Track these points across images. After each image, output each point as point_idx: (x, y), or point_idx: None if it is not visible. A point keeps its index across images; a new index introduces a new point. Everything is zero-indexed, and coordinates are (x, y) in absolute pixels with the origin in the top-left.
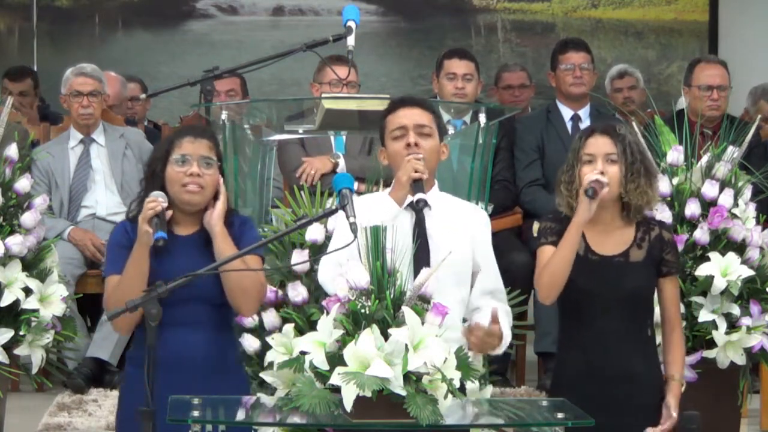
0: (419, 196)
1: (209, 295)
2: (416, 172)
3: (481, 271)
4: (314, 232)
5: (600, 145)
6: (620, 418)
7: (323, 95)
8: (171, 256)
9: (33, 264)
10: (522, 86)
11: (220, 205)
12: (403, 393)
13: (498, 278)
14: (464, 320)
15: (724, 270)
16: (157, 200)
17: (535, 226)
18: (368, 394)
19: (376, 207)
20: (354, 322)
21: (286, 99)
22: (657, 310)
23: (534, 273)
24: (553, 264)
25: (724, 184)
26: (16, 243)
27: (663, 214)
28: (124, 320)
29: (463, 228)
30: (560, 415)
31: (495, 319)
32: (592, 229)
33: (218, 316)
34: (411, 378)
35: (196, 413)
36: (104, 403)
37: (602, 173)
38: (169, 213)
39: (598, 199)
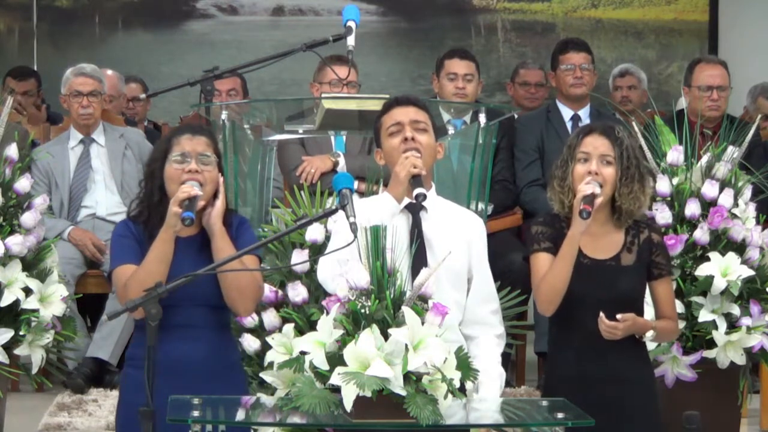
0: (419, 190)
1: (208, 298)
2: (414, 167)
3: (478, 279)
4: (314, 232)
5: (597, 145)
6: (613, 419)
7: (323, 95)
8: (172, 258)
9: (33, 264)
10: (538, 84)
11: (219, 204)
12: (403, 393)
13: (493, 286)
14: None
15: (724, 270)
16: (191, 187)
17: None
18: (368, 394)
19: (375, 206)
20: (354, 322)
21: (286, 99)
22: (650, 311)
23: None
24: (552, 277)
25: (724, 184)
26: (16, 243)
27: (663, 214)
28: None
29: (460, 232)
30: (560, 415)
31: None
32: (584, 232)
33: (217, 319)
34: (411, 378)
35: (196, 413)
36: (104, 403)
37: (596, 173)
38: (201, 203)
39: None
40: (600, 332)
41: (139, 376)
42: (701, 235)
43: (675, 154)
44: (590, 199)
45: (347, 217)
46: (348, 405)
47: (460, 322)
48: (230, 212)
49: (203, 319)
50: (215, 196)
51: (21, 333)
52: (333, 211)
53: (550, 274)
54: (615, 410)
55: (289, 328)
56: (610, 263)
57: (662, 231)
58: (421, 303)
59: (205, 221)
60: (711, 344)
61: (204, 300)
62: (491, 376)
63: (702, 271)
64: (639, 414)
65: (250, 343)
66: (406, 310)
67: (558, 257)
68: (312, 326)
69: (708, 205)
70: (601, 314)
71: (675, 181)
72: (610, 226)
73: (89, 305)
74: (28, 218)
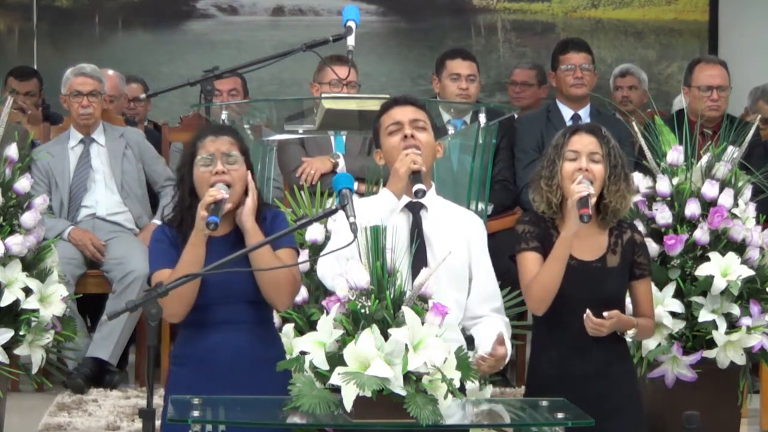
0: (419, 186)
1: (245, 294)
2: (414, 164)
3: (478, 278)
4: (314, 232)
5: (585, 143)
6: (599, 415)
7: (323, 95)
8: (207, 257)
9: (33, 264)
10: (524, 84)
11: (250, 202)
12: (403, 393)
13: (495, 285)
14: (463, 328)
15: (724, 270)
16: (218, 190)
17: None
18: (368, 394)
19: (374, 204)
20: (354, 322)
21: (286, 99)
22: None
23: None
24: (544, 277)
25: (724, 184)
26: (16, 243)
27: (663, 214)
28: (177, 305)
29: (460, 232)
30: (560, 415)
31: (500, 341)
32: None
33: (257, 314)
34: (411, 378)
35: (196, 413)
36: (104, 403)
37: (586, 170)
38: (228, 206)
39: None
40: (584, 331)
41: (184, 373)
42: (701, 235)
43: (675, 154)
44: (585, 201)
45: (347, 217)
46: (348, 405)
47: (461, 321)
48: (263, 206)
49: (243, 315)
50: (246, 193)
51: (21, 333)
52: (333, 211)
53: (543, 274)
54: (600, 406)
55: (289, 328)
56: (597, 265)
57: (664, 231)
58: (421, 303)
59: (238, 219)
60: (711, 344)
61: (242, 296)
62: (494, 324)
63: (702, 271)
64: (624, 408)
65: None
66: (406, 310)
67: (551, 258)
68: (312, 326)
69: (708, 205)
70: (588, 311)
71: (675, 181)
72: (595, 227)
73: (89, 305)
74: (28, 218)
